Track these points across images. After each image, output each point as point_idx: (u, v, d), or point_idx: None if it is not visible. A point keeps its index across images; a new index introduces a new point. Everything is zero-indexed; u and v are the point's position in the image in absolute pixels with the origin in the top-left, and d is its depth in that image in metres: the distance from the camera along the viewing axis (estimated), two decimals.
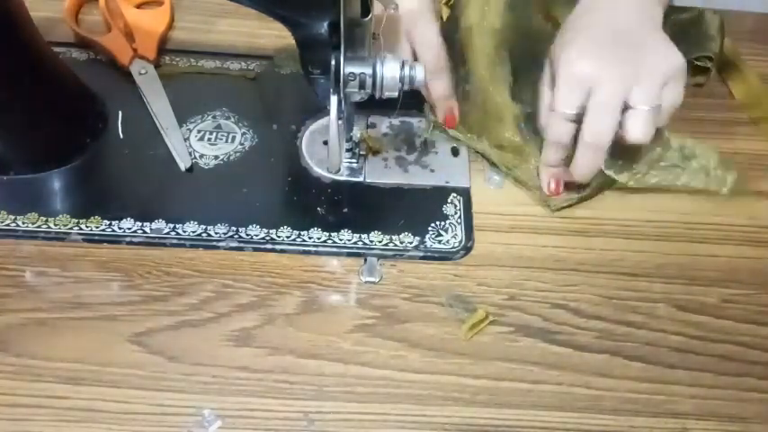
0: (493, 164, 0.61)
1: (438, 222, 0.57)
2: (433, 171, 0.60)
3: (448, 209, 0.58)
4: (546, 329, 0.51)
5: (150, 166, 0.59)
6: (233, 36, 0.70)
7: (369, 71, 0.50)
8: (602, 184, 0.59)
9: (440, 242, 0.55)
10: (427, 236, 0.56)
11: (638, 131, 0.52)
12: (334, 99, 0.51)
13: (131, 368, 0.48)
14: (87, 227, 0.54)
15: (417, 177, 0.60)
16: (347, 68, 0.50)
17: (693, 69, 0.67)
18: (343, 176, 0.59)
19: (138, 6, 0.72)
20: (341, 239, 0.55)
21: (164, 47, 0.68)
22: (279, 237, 0.55)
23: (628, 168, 0.57)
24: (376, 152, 0.60)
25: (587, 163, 0.55)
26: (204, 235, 0.55)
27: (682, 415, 0.48)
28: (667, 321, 0.52)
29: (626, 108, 0.52)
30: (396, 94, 0.52)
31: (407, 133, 0.63)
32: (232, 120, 0.62)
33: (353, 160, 0.59)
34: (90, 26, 0.70)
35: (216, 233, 0.55)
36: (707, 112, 0.67)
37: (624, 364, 0.50)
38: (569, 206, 0.58)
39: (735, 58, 0.69)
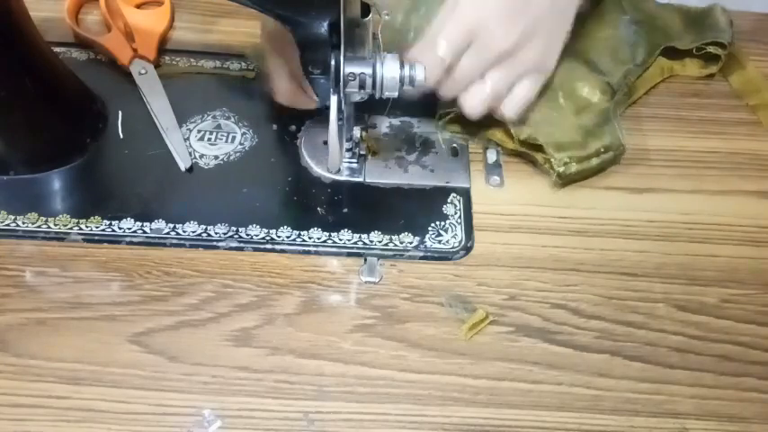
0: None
1: (438, 222, 0.57)
2: (433, 171, 0.60)
3: (448, 209, 0.58)
4: (546, 329, 0.51)
5: (150, 166, 0.59)
6: (233, 36, 0.70)
7: (369, 71, 0.50)
8: (604, 160, 0.59)
9: (440, 242, 0.55)
10: (427, 236, 0.56)
11: (470, 105, 0.56)
12: (334, 99, 0.51)
13: (131, 368, 0.48)
14: (87, 227, 0.54)
15: (417, 177, 0.60)
16: (347, 68, 0.50)
17: (705, 58, 0.68)
18: (343, 176, 0.59)
19: (138, 6, 0.71)
20: (341, 239, 0.55)
21: (164, 47, 0.68)
22: (279, 237, 0.55)
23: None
24: (375, 153, 0.60)
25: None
26: (204, 235, 0.55)
27: (682, 415, 0.48)
28: (667, 321, 0.52)
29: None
30: (396, 94, 0.52)
31: (407, 133, 0.63)
32: (232, 120, 0.62)
33: (353, 160, 0.59)
34: (90, 26, 0.70)
35: (216, 233, 0.55)
36: (708, 112, 0.67)
37: (624, 364, 0.50)
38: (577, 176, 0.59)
39: (733, 49, 0.69)
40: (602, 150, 0.59)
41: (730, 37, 0.68)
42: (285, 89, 0.58)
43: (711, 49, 0.67)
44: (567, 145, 0.58)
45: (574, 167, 0.58)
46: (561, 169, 0.58)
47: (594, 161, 0.59)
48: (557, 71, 0.61)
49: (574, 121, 0.60)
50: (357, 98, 0.53)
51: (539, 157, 0.59)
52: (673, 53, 0.68)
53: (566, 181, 0.59)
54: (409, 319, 0.52)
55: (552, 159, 0.58)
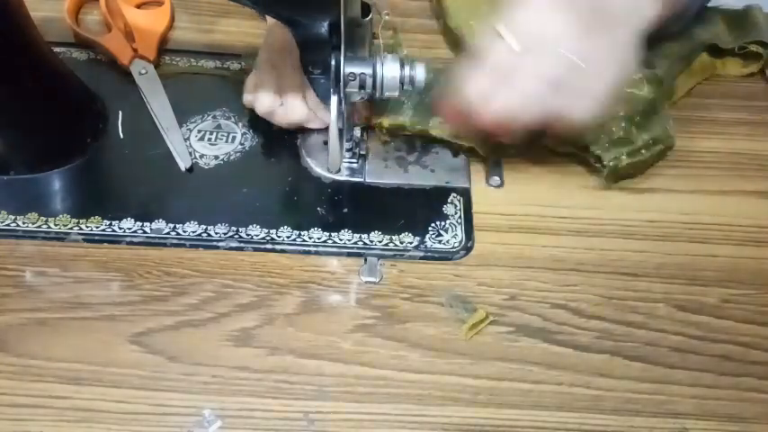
0: None
1: (438, 222, 0.57)
2: (433, 171, 0.60)
3: (448, 209, 0.58)
4: (546, 329, 0.51)
5: (150, 166, 0.59)
6: (233, 36, 0.70)
7: (369, 71, 0.50)
8: (653, 153, 0.59)
9: (440, 242, 0.55)
10: (427, 236, 0.56)
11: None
12: (334, 99, 0.51)
13: (131, 368, 0.48)
14: (87, 227, 0.54)
15: (417, 177, 0.60)
16: (347, 68, 0.50)
17: (745, 57, 0.69)
18: (343, 176, 0.59)
19: (138, 6, 0.71)
20: (341, 239, 0.55)
21: (164, 47, 0.68)
22: (279, 237, 0.55)
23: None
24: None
25: None
26: (204, 235, 0.55)
27: (682, 415, 0.48)
28: (667, 321, 0.52)
29: None
30: (396, 93, 0.52)
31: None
32: (232, 120, 0.62)
33: (353, 160, 0.59)
34: (90, 26, 0.70)
35: (216, 233, 0.55)
36: (708, 112, 0.67)
37: (624, 364, 0.50)
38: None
39: None
40: (651, 142, 0.59)
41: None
42: (268, 103, 0.59)
43: (753, 47, 0.68)
44: (615, 141, 0.58)
45: (624, 161, 0.58)
46: (612, 164, 0.58)
47: (645, 153, 0.59)
48: None
49: (621, 114, 0.60)
50: (357, 98, 0.53)
51: (587, 156, 0.59)
52: (714, 52, 0.69)
53: (616, 177, 0.59)
54: (409, 319, 0.51)
55: (602, 156, 0.58)
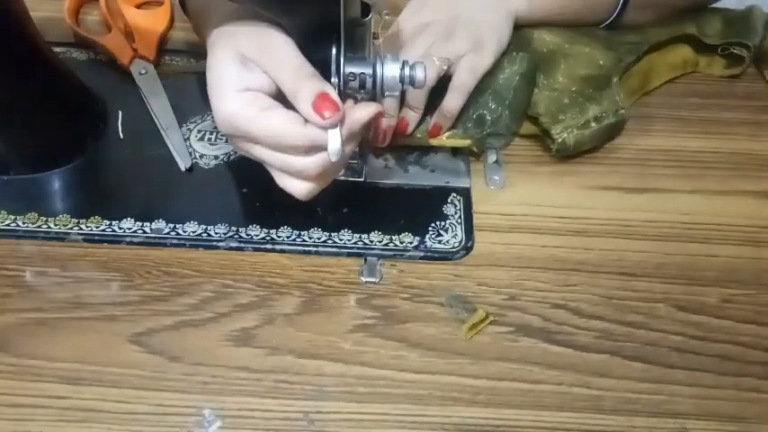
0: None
1: (438, 222, 0.57)
2: (433, 171, 0.60)
3: (448, 209, 0.58)
4: (546, 329, 0.51)
5: (150, 166, 0.59)
6: None
7: (369, 71, 0.50)
8: (601, 125, 0.60)
9: (440, 242, 0.55)
10: (427, 236, 0.56)
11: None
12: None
13: (131, 368, 0.48)
14: (87, 227, 0.54)
15: (417, 177, 0.60)
16: (347, 68, 0.50)
17: (729, 59, 0.69)
18: (343, 176, 0.59)
19: (138, 6, 0.72)
20: (341, 239, 0.55)
21: (164, 47, 0.68)
22: (279, 237, 0.55)
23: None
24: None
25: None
26: (204, 235, 0.55)
27: (682, 415, 0.48)
28: (667, 321, 0.52)
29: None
30: (396, 93, 0.52)
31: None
32: None
33: (353, 160, 0.59)
34: (90, 26, 0.70)
35: (216, 233, 0.55)
36: (708, 112, 0.67)
37: (624, 364, 0.50)
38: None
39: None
40: (601, 115, 0.59)
41: (760, 40, 0.68)
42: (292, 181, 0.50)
43: (736, 50, 0.68)
44: (563, 109, 0.59)
45: (572, 139, 0.58)
46: (560, 139, 0.58)
47: (594, 126, 0.59)
48: (561, 44, 0.62)
49: (571, 87, 0.60)
50: (357, 98, 0.53)
51: (538, 128, 0.60)
52: (701, 49, 0.69)
53: (566, 153, 0.60)
54: (409, 319, 0.51)
55: (550, 129, 0.59)
